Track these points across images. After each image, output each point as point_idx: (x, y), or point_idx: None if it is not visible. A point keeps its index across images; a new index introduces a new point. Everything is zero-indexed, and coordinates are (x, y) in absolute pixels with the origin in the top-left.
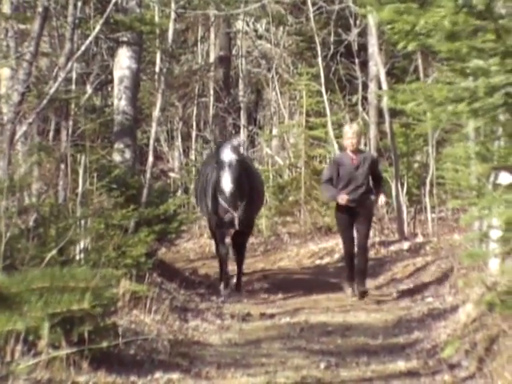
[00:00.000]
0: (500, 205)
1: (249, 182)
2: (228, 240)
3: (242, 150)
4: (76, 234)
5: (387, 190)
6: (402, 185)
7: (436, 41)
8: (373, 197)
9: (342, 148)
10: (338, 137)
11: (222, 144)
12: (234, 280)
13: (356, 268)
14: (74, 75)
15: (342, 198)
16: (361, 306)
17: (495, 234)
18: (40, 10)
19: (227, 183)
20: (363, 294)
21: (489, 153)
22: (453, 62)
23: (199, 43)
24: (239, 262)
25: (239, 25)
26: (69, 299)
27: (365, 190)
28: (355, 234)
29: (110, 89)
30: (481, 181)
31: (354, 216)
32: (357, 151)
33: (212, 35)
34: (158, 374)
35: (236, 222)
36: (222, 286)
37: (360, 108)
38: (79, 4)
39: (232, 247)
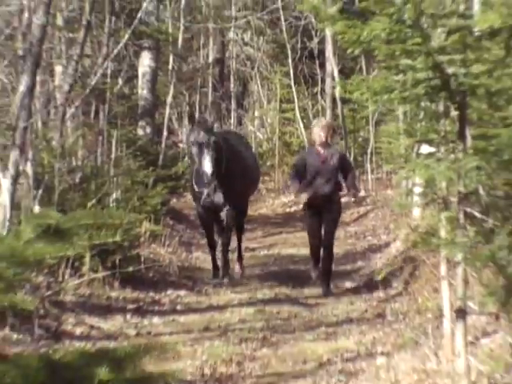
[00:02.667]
0: (421, 168)
1: (232, 162)
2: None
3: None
4: (110, 188)
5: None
6: (350, 153)
7: (375, 46)
8: (341, 193)
9: (310, 142)
10: (303, 118)
11: (196, 124)
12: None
13: (321, 268)
14: (108, 71)
15: (299, 196)
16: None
17: (417, 190)
18: (84, 23)
19: (207, 165)
20: (327, 295)
21: (413, 130)
22: (388, 61)
23: (201, 48)
24: (238, 241)
25: (231, 35)
26: (106, 234)
27: (332, 186)
28: (322, 231)
29: (135, 81)
30: (407, 151)
31: (321, 212)
32: (325, 145)
33: (211, 42)
34: (169, 291)
35: (216, 205)
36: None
37: (319, 97)
38: (113, 18)
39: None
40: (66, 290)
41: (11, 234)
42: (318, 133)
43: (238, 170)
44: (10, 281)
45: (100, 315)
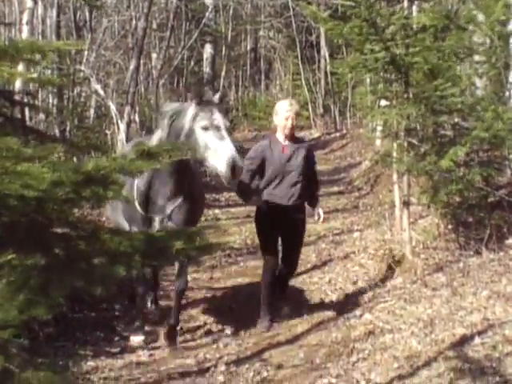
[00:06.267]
0: (381, 114)
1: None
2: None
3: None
4: None
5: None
6: (336, 106)
7: (351, 37)
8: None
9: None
10: (307, 84)
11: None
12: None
13: (278, 291)
14: (185, 56)
15: (253, 202)
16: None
17: (379, 128)
18: (169, 26)
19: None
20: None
21: (375, 90)
22: (359, 47)
23: (242, 41)
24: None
25: (261, 32)
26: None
27: (299, 193)
28: (280, 250)
29: (201, 62)
30: (372, 104)
31: (280, 225)
32: (293, 137)
33: (248, 37)
34: (224, 193)
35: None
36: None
37: (317, 71)
38: (187, 23)
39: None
40: None
41: (121, 156)
42: (290, 121)
43: (196, 195)
44: (122, 185)
45: None
